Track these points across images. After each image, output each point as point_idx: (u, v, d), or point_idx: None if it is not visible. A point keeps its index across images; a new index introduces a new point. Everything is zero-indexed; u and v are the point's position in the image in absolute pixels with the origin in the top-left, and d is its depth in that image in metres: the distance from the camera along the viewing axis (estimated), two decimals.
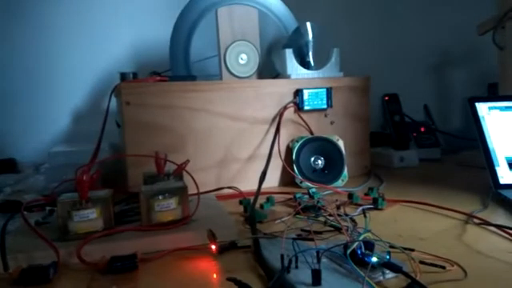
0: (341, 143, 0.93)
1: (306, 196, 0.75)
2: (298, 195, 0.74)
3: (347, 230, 0.54)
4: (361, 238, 0.47)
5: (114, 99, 0.91)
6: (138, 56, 1.26)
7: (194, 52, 1.02)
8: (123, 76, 1.00)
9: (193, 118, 0.86)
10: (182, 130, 0.86)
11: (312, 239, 0.53)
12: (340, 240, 0.52)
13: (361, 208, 0.68)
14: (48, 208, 0.69)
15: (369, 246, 0.46)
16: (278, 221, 0.65)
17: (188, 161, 0.71)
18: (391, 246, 0.49)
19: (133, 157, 0.81)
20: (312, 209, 0.68)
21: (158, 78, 0.90)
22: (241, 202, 0.72)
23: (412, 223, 0.64)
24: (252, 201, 0.70)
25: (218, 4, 0.97)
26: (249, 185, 0.87)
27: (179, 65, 0.99)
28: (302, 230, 0.58)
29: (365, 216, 0.53)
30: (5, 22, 1.15)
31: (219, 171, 0.89)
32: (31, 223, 0.60)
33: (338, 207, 0.69)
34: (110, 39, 1.22)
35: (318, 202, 0.68)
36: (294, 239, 0.51)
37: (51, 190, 0.86)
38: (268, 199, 0.74)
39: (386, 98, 1.36)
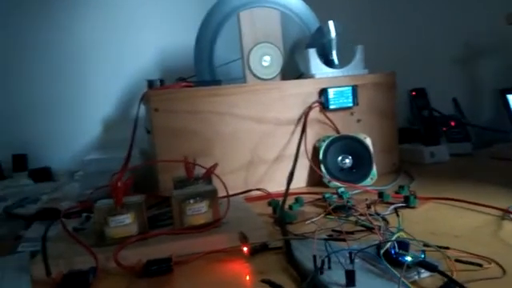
0: (368, 141, 0.92)
1: (335, 196, 0.74)
2: (326, 195, 0.74)
3: (379, 230, 0.53)
4: (394, 237, 0.47)
5: (142, 106, 0.94)
6: (164, 62, 1.28)
7: (219, 56, 1.03)
8: (150, 83, 1.02)
9: (219, 121, 0.87)
10: (209, 134, 0.87)
11: (344, 240, 0.52)
12: (372, 240, 0.52)
13: (392, 206, 0.68)
14: (84, 214, 0.71)
15: (402, 245, 0.46)
16: (309, 222, 0.65)
17: (216, 164, 0.72)
18: (425, 245, 0.48)
19: (163, 162, 0.83)
20: (342, 209, 0.67)
21: (184, 83, 0.92)
22: (269, 204, 0.72)
23: (446, 221, 0.63)
24: (281, 202, 0.70)
25: (240, 8, 0.98)
26: (276, 186, 0.87)
27: (204, 70, 1.00)
28: (333, 230, 0.58)
29: (397, 215, 0.53)
30: (33, 37, 1.20)
31: (247, 173, 0.89)
32: (70, 230, 0.62)
33: (369, 206, 0.69)
34: (136, 47, 1.26)
35: (347, 201, 0.68)
36: (325, 240, 0.51)
37: (86, 196, 0.89)
38: (297, 200, 0.74)
39: (413, 93, 1.33)
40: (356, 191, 0.81)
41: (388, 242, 0.46)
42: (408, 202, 0.69)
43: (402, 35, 1.43)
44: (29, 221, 0.76)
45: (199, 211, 0.59)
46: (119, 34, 1.26)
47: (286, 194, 0.73)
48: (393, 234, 0.49)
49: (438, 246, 0.48)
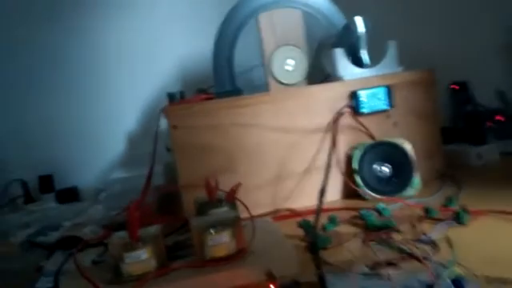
0: (407, 146, 0.83)
1: (373, 212, 0.67)
2: (363, 212, 0.66)
3: (427, 259, 0.45)
4: (447, 273, 0.39)
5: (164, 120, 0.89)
6: (187, 71, 1.24)
7: (239, 63, 0.97)
8: (171, 96, 0.98)
9: (242, 134, 0.82)
10: (232, 149, 0.81)
11: (387, 274, 0.45)
12: (420, 271, 0.44)
13: (441, 225, 0.59)
14: (105, 243, 0.68)
15: (458, 283, 0.38)
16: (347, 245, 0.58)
17: (240, 184, 0.66)
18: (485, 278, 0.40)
19: (184, 182, 0.78)
20: (382, 230, 0.60)
21: (204, 96, 0.87)
22: (300, 225, 0.65)
23: (505, 241, 0.54)
24: (313, 223, 0.63)
25: (259, 10, 0.92)
26: (307, 200, 0.81)
27: (224, 79, 0.94)
28: (374, 263, 0.50)
29: (450, 245, 0.45)
30: (56, 54, 1.19)
31: (274, 188, 0.83)
32: (85, 264, 0.59)
33: (413, 225, 0.61)
34: (158, 58, 1.22)
35: (388, 222, 0.60)
36: (365, 274, 0.44)
37: (110, 219, 0.86)
38: (330, 219, 0.67)
39: (454, 87, 1.23)
40: (397, 205, 0.73)
41: (440, 280, 0.38)
42: (458, 219, 0.61)
43: (437, 25, 1.32)
44: (50, 250, 0.73)
45: (220, 241, 0.53)
46: (141, 47, 1.23)
47: (318, 214, 0.66)
48: (445, 267, 0.42)
49: (501, 282, 0.40)
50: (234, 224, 0.55)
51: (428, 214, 0.64)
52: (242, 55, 0.97)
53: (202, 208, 0.64)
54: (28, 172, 1.13)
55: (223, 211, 0.61)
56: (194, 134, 0.80)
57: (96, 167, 1.19)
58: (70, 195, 1.11)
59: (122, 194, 0.92)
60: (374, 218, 0.64)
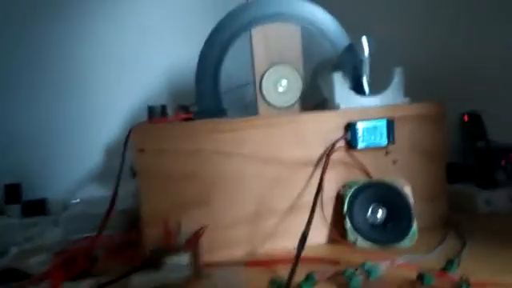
0: (407, 189, 0.73)
1: (359, 272, 0.57)
2: (347, 273, 0.56)
3: None
4: None
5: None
6: (175, 84, 1.16)
7: (227, 80, 0.88)
8: (151, 110, 0.89)
9: (221, 163, 0.72)
10: (208, 179, 0.71)
11: None
12: None
13: None
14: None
15: None
16: None
17: (206, 227, 0.57)
18: None
19: (148, 215, 0.69)
20: None
21: (183, 115, 0.78)
22: (271, 283, 0.56)
23: None
24: (285, 282, 0.53)
25: (253, 23, 0.83)
26: (290, 242, 0.70)
27: (206, 96, 0.85)
28: None
29: None
30: (31, 60, 1.11)
31: (254, 226, 0.73)
32: None
33: None
34: (140, 68, 1.14)
35: None
36: None
37: (66, 245, 0.77)
38: (308, 277, 0.57)
39: (465, 119, 1.12)
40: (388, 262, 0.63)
41: None
42: None
43: (449, 49, 1.21)
44: None
45: None
46: (122, 53, 1.14)
47: (294, 269, 0.55)
48: None
49: None
50: (184, 285, 0.45)
51: (422, 281, 0.54)
52: (231, 72, 0.87)
53: (156, 255, 0.54)
54: None
55: (175, 264, 0.51)
56: (164, 160, 0.70)
57: (69, 178, 1.10)
58: (38, 208, 1.02)
59: (84, 216, 0.83)
60: (358, 283, 0.54)
